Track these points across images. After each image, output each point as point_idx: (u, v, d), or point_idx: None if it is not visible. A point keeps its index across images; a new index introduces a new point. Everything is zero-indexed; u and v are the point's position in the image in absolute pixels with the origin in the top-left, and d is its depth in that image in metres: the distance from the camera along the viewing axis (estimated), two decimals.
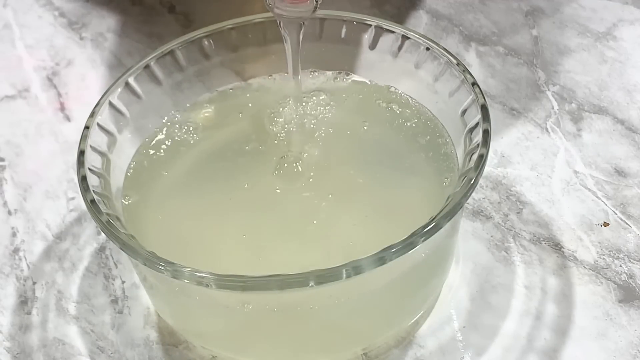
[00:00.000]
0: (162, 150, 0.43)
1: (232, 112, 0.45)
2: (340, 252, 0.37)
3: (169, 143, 0.43)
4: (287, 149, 0.42)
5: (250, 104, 0.45)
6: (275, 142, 0.43)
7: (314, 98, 0.45)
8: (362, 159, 0.42)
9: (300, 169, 0.41)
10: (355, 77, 0.46)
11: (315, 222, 0.39)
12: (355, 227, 0.39)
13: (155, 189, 0.41)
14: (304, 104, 0.44)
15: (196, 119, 0.44)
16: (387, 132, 0.43)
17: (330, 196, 0.40)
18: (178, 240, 0.39)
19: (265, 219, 0.39)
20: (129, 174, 0.41)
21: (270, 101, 0.45)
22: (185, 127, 0.44)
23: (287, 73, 0.43)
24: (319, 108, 0.44)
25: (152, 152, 0.43)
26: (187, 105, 0.45)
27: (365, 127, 0.43)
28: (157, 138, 0.43)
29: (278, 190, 0.41)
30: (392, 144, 0.42)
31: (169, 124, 0.44)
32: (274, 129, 0.44)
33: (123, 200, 0.40)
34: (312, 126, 0.43)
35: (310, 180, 0.41)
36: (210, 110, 0.45)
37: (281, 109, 0.44)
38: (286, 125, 0.44)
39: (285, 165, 0.42)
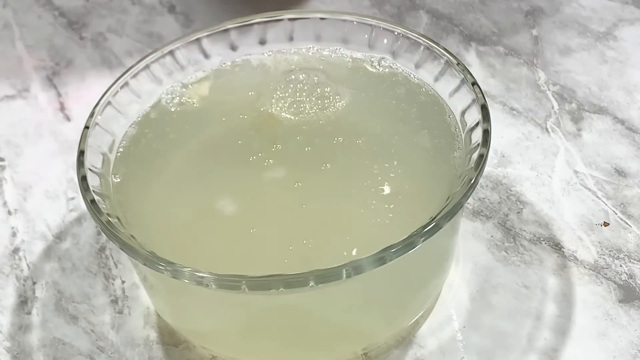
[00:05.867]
0: (152, 128, 0.42)
1: (227, 90, 0.44)
2: (344, 244, 0.36)
3: (160, 120, 0.42)
4: (286, 131, 0.41)
5: (247, 82, 0.44)
6: (271, 122, 0.42)
7: (313, 78, 0.44)
8: (365, 141, 0.41)
9: (299, 154, 0.40)
10: (354, 53, 0.45)
11: (317, 209, 0.38)
12: (358, 217, 0.38)
13: (143, 165, 0.40)
14: (300, 84, 0.43)
15: (190, 96, 0.44)
16: (389, 109, 0.42)
17: (332, 185, 0.39)
18: (169, 218, 0.38)
19: (261, 205, 0.39)
20: (118, 154, 0.41)
21: (268, 80, 0.44)
22: (179, 105, 0.43)
23: (284, 51, 0.42)
24: (317, 88, 0.43)
25: (141, 129, 0.42)
26: (182, 84, 0.44)
27: (365, 103, 0.42)
28: (148, 116, 0.43)
29: (276, 175, 0.40)
30: (396, 123, 0.41)
31: (160, 101, 0.43)
32: (271, 109, 0.42)
33: (113, 178, 0.39)
34: (308, 105, 0.42)
35: (310, 164, 0.40)
36: (205, 88, 0.44)
37: (280, 88, 0.43)
38: (285, 107, 0.43)
39: (282, 148, 0.41)
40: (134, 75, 0.42)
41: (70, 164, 0.52)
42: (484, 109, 0.38)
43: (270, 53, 0.45)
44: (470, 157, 0.37)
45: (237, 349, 0.40)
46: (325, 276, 0.32)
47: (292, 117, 0.42)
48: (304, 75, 0.44)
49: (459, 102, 0.40)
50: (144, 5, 0.65)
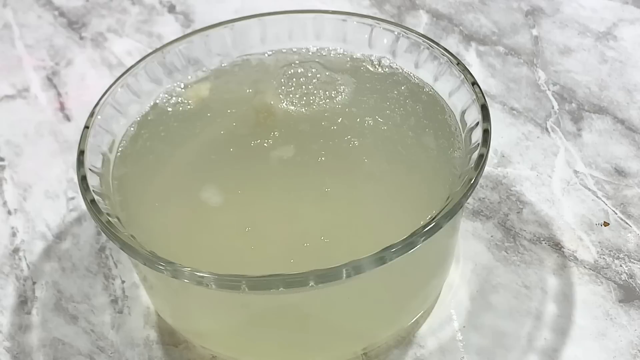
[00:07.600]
0: (151, 128, 0.42)
1: (227, 89, 0.44)
2: (344, 240, 0.36)
3: (159, 120, 0.42)
4: (285, 129, 0.41)
5: (246, 81, 0.44)
6: (271, 120, 0.42)
7: (312, 69, 0.44)
8: (364, 136, 0.41)
9: (298, 150, 0.40)
10: (354, 53, 0.45)
11: (319, 209, 0.38)
12: (357, 215, 0.38)
13: (144, 165, 0.40)
14: (303, 78, 0.43)
15: (190, 96, 0.44)
16: (388, 109, 0.42)
17: (333, 183, 0.39)
18: (170, 217, 0.38)
19: (261, 198, 0.39)
20: (118, 154, 0.41)
21: (269, 77, 0.44)
22: (178, 105, 0.43)
23: (284, 50, 0.42)
24: (317, 82, 0.43)
25: (141, 129, 0.42)
26: (182, 84, 0.44)
27: (364, 103, 0.42)
28: (148, 116, 0.43)
29: (273, 169, 0.40)
30: (395, 122, 0.41)
31: (160, 101, 0.43)
32: (280, 104, 0.42)
33: (113, 178, 0.39)
34: (310, 102, 0.42)
35: (310, 163, 0.40)
36: (204, 88, 0.44)
37: (283, 83, 0.43)
38: (294, 100, 0.43)
39: (281, 143, 0.40)
40: (134, 75, 0.42)
41: (70, 164, 0.52)
42: (484, 109, 0.38)
43: (270, 53, 0.45)
44: (470, 157, 0.37)
45: (237, 349, 0.40)
46: (325, 276, 0.32)
47: (304, 110, 0.42)
48: (302, 70, 0.44)
49: (459, 102, 0.40)
50: (144, 5, 0.65)
